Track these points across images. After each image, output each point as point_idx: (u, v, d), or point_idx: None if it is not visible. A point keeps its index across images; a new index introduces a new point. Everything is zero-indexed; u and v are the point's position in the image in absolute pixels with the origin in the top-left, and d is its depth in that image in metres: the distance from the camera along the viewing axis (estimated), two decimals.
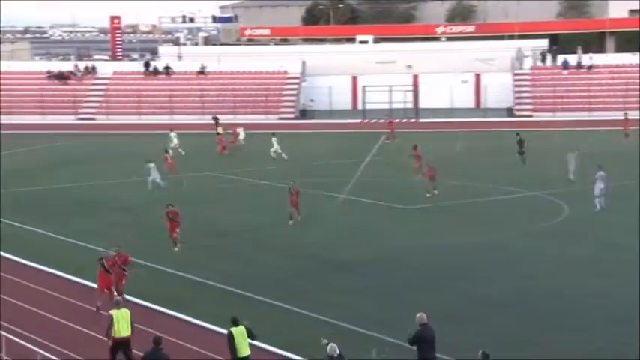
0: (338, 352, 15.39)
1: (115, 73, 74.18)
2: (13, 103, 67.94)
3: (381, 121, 59.33)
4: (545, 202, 34.36)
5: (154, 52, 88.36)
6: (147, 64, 74.85)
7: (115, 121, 65.90)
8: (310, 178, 39.59)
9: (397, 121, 59.15)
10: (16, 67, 75.57)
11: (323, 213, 33.16)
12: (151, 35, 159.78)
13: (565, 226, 30.47)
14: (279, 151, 46.46)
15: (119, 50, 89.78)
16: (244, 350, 16.70)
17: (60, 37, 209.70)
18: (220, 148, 48.89)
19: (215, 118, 55.96)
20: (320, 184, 38.40)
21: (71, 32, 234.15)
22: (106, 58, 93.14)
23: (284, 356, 18.57)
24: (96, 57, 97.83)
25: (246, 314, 17.83)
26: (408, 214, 33.18)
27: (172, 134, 49.43)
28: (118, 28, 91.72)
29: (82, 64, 75.52)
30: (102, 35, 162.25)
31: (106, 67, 75.66)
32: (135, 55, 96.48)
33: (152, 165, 38.19)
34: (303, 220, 30.80)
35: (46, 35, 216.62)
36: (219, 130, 51.68)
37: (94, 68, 74.42)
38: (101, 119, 67.83)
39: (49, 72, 73.12)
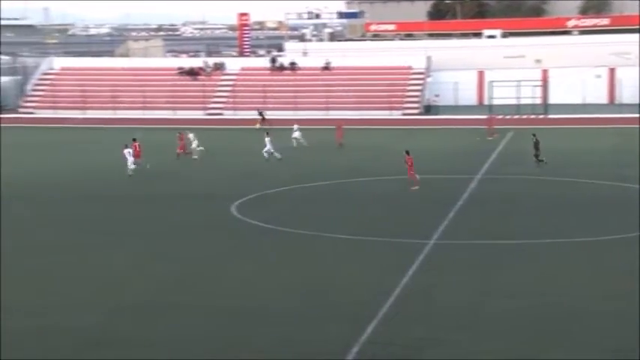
0: None
1: (242, 69, 75.60)
2: (146, 99, 70.31)
3: (506, 117, 58.03)
4: None
5: (280, 49, 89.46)
6: (273, 60, 75.91)
7: (242, 116, 67.11)
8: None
9: (519, 117, 57.63)
10: (149, 63, 78.22)
11: None
12: (277, 32, 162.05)
13: None
14: (272, 150, 45.14)
15: (246, 47, 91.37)
16: None
17: (191, 35, 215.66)
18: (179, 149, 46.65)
19: (261, 113, 56.39)
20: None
21: (202, 29, 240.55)
22: (234, 54, 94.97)
23: None
24: (224, 53, 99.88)
25: None
26: None
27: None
28: (246, 25, 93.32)
29: (211, 61, 77.33)
30: (230, 32, 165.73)
31: (234, 64, 77.20)
32: (261, 52, 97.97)
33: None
34: None
35: (177, 33, 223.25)
36: (257, 125, 51.79)
37: (222, 64, 76.07)
38: (228, 114, 69.25)
39: (179, 68, 75.27)
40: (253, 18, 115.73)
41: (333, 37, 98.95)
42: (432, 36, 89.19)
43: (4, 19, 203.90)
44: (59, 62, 78.43)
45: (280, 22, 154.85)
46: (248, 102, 69.64)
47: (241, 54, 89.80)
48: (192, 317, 20.55)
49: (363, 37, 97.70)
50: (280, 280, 23.72)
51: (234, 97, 70.87)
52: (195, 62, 78.04)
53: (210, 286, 23.23)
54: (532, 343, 18.54)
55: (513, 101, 64.15)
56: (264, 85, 70.55)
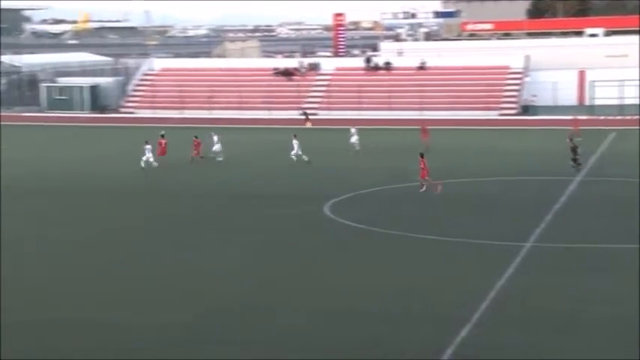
0: None
1: (337, 69, 75.69)
2: (242, 99, 71.20)
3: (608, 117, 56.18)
4: None
5: (375, 49, 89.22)
6: (368, 60, 75.72)
7: (336, 116, 67.17)
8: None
9: (622, 118, 55.70)
10: (245, 64, 79.20)
11: None
12: (372, 32, 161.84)
13: None
14: (300, 152, 44.50)
15: (341, 47, 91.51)
16: None
17: (286, 35, 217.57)
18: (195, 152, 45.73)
19: (305, 114, 55.81)
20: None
21: (297, 30, 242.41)
22: (329, 54, 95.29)
23: None
24: (319, 54, 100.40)
25: None
26: None
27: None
28: (341, 25, 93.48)
29: (306, 61, 77.73)
30: (326, 33, 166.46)
31: (328, 64, 77.33)
32: (356, 52, 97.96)
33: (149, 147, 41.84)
34: None
35: (273, 33, 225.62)
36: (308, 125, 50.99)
37: (317, 65, 76.35)
38: (323, 114, 69.43)
39: (275, 69, 75.92)
40: (349, 18, 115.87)
41: (429, 36, 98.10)
42: (530, 35, 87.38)
43: (107, 21, 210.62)
44: (159, 63, 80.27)
45: (376, 22, 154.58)
46: (342, 102, 69.67)
47: (336, 54, 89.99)
48: (285, 317, 20.61)
49: (459, 37, 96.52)
50: (372, 281, 23.56)
51: (328, 97, 71.01)
52: (291, 63, 78.58)
53: (304, 286, 23.26)
54: (632, 353, 17.83)
55: (616, 102, 62.16)
56: (359, 85, 70.43)
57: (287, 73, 74.82)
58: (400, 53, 78.84)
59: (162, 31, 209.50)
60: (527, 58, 71.06)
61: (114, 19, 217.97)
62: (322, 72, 75.08)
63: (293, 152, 44.78)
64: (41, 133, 60.24)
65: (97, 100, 73.38)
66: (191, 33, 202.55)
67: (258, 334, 19.42)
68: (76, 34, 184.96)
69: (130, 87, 75.96)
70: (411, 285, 23.19)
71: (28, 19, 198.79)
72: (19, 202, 35.22)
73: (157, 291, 22.84)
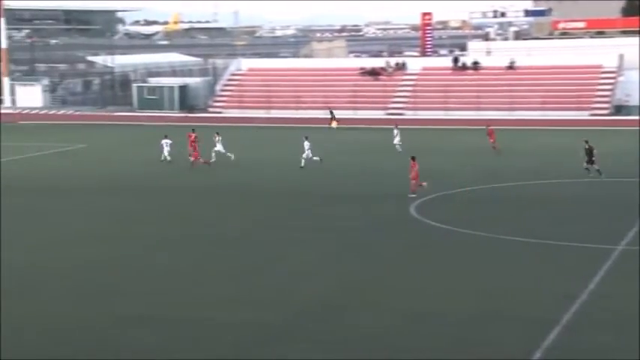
0: None
1: (423, 68, 75.11)
2: (328, 99, 71.36)
3: None
4: None
5: (463, 48, 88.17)
6: (455, 60, 74.88)
7: (423, 116, 66.66)
8: None
9: None
10: (332, 64, 79.35)
11: None
12: (460, 31, 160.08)
13: None
14: (310, 155, 42.73)
15: (429, 46, 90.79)
16: None
17: (373, 35, 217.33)
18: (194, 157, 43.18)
19: (331, 112, 54.91)
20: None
21: (384, 30, 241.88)
22: (416, 54, 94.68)
23: None
24: (406, 53, 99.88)
25: None
26: None
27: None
28: (429, 25, 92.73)
29: (392, 61, 77.39)
30: (413, 32, 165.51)
31: (415, 63, 76.82)
32: (444, 51, 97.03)
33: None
34: None
35: (360, 33, 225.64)
36: (334, 124, 49.90)
37: (404, 64, 75.91)
38: (409, 114, 69.00)
39: (361, 68, 75.86)
40: (437, 18, 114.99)
41: (519, 35, 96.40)
42: (625, 33, 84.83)
43: (197, 22, 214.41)
44: (246, 63, 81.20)
45: (464, 22, 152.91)
46: (429, 102, 69.09)
47: (423, 54, 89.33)
48: (370, 318, 20.49)
49: (550, 36, 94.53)
50: (459, 282, 23.23)
51: (414, 97, 70.51)
52: (377, 62, 78.39)
53: (389, 287, 23.08)
54: None
55: None
56: (446, 85, 69.71)
57: (373, 73, 74.63)
58: (489, 53, 77.70)
59: (250, 32, 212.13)
60: (621, 57, 69.03)
61: (203, 20, 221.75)
62: (409, 72, 74.62)
63: (304, 154, 43.06)
64: (132, 132, 61.65)
65: (185, 99, 74.71)
66: (279, 33, 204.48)
67: (342, 335, 19.35)
68: (167, 34, 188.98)
69: (218, 87, 77.06)
70: (498, 287, 22.75)
71: (121, 21, 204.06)
72: (109, 199, 36.11)
73: (240, 290, 22.97)
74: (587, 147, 39.00)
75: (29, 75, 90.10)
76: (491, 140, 48.03)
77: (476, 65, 72.70)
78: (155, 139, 48.57)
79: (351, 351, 18.35)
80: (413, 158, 35.61)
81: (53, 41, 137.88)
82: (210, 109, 74.07)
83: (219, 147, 44.76)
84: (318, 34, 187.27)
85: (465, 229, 29.19)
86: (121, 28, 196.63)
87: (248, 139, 56.80)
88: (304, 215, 32.64)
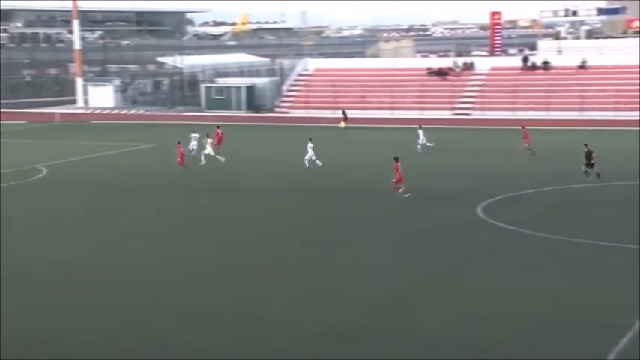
0: None
1: (492, 68, 74.15)
2: (394, 99, 71.07)
3: None
4: None
5: (533, 47, 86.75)
6: (525, 59, 73.74)
7: (490, 116, 65.81)
8: None
9: None
10: (399, 64, 78.94)
11: None
12: (530, 30, 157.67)
13: None
14: (314, 158, 42.04)
15: (497, 46, 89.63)
16: None
17: (441, 35, 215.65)
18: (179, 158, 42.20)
19: (343, 112, 54.00)
20: None
21: (452, 29, 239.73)
22: (484, 54, 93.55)
23: None
24: (474, 53, 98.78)
25: None
26: None
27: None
28: (498, 24, 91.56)
29: (460, 61, 76.61)
30: (481, 31, 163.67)
31: (483, 63, 75.90)
32: (512, 51, 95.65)
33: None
34: None
35: (428, 33, 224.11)
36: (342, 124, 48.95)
37: (471, 64, 75.08)
38: (476, 115, 68.20)
39: (428, 68, 75.30)
40: (506, 17, 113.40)
41: (591, 34, 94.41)
42: None
43: (265, 22, 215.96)
44: (313, 63, 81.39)
45: (534, 21, 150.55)
46: (497, 102, 68.17)
47: (492, 53, 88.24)
48: (438, 318, 20.34)
49: (623, 35, 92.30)
50: (527, 285, 22.80)
51: (482, 97, 69.66)
52: (445, 62, 77.69)
53: (456, 288, 22.83)
54: None
55: None
56: (515, 85, 68.68)
57: (441, 73, 74.01)
58: (559, 52, 76.27)
59: (317, 32, 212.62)
60: None
61: (271, 21, 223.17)
62: (477, 71, 73.77)
63: (307, 156, 42.47)
64: (199, 132, 62.33)
65: (252, 100, 75.23)
66: (346, 33, 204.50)
67: (411, 335, 19.24)
68: (235, 35, 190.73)
69: (285, 87, 77.40)
70: (568, 290, 22.27)
71: (190, 22, 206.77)
72: (178, 197, 36.55)
73: (310, 289, 23.01)
74: (586, 150, 38.17)
75: (101, 75, 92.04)
76: (526, 142, 46.19)
77: (546, 65, 71.44)
78: (225, 139, 48.98)
79: (420, 351, 18.19)
80: (396, 159, 35.35)
81: (124, 42, 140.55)
82: (277, 109, 74.44)
83: (208, 149, 44.72)
84: (385, 34, 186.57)
85: (533, 231, 28.64)
86: (190, 29, 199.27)
87: (325, 140, 56.90)
88: (373, 215, 32.45)
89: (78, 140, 45.07)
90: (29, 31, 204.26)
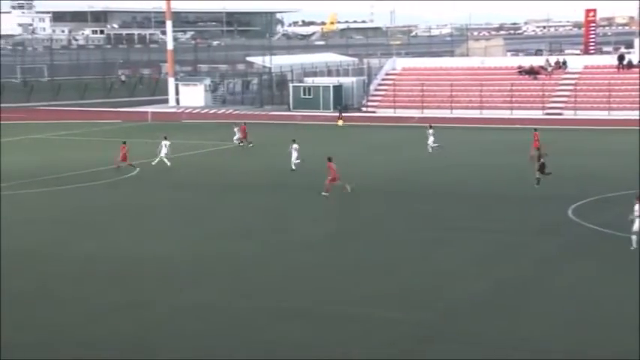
0: None
1: (585, 67, 72.38)
2: (482, 98, 70.13)
3: None
4: None
5: (630, 45, 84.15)
6: (620, 58, 71.66)
7: (583, 116, 64.24)
8: None
9: None
10: (489, 62, 77.86)
11: None
12: (627, 28, 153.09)
13: None
14: (298, 161, 41.59)
15: (592, 44, 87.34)
16: None
17: (533, 33, 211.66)
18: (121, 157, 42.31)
19: (340, 110, 52.50)
20: None
21: (544, 27, 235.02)
22: (578, 52, 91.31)
23: None
24: (567, 52, 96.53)
25: None
26: None
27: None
28: (593, 22, 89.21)
29: (552, 59, 75.02)
30: (575, 29, 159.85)
31: (576, 62, 74.17)
32: (608, 49, 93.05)
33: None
34: None
35: (519, 31, 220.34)
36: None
37: (564, 63, 73.41)
38: (568, 114, 66.67)
39: (519, 67, 74.00)
40: (601, 14, 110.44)
41: None
42: None
43: (353, 22, 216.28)
44: (401, 63, 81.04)
45: (631, 18, 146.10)
46: (590, 101, 66.53)
47: (586, 52, 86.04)
48: (523, 319, 20.00)
49: None
50: (619, 288, 22.21)
51: (575, 96, 68.05)
52: (536, 61, 76.21)
53: (543, 290, 22.37)
54: None
55: None
56: (609, 84, 66.87)
57: (532, 72, 72.64)
58: None
59: (406, 31, 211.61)
60: None
61: (359, 20, 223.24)
62: (569, 70, 72.13)
63: (293, 158, 42.04)
64: (287, 131, 62.81)
65: (339, 99, 75.39)
66: (435, 32, 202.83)
67: (494, 337, 19.00)
68: (324, 35, 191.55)
69: (372, 86, 77.28)
70: None
71: (280, 22, 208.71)
72: (266, 196, 36.86)
73: (394, 287, 22.90)
74: (539, 155, 37.16)
75: (192, 75, 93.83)
76: (535, 146, 42.68)
77: None
78: (309, 139, 49.23)
79: (502, 353, 17.91)
80: (329, 159, 35.62)
81: (215, 42, 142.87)
82: (364, 109, 74.40)
83: (165, 151, 44.45)
84: (475, 33, 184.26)
85: (624, 234, 27.77)
86: (279, 29, 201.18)
87: (404, 139, 56.67)
88: (462, 215, 32.06)
89: (170, 139, 45.95)
90: (124, 32, 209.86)
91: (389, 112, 71.51)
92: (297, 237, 28.92)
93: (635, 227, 25.72)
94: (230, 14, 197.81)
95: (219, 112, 76.94)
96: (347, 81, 79.21)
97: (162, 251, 26.91)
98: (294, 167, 41.99)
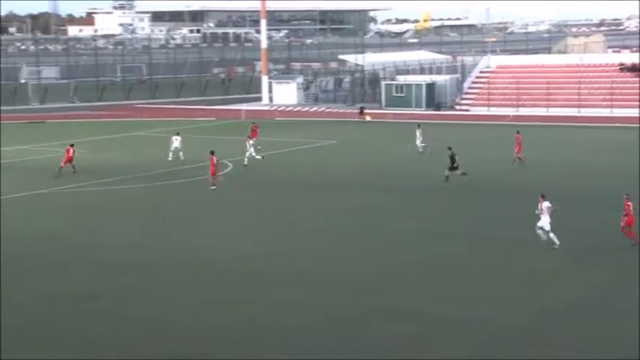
0: None
1: None
2: (581, 96, 68.33)
3: None
4: None
5: None
6: None
7: None
8: None
9: None
10: (588, 59, 75.75)
11: None
12: None
13: None
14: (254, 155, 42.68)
15: None
16: None
17: (635, 29, 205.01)
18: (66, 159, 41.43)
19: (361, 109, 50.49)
20: None
21: None
22: None
23: None
24: None
25: None
26: None
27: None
28: None
29: None
30: None
31: None
32: None
33: None
34: None
35: (621, 27, 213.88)
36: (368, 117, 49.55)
37: None
38: None
39: (621, 64, 71.79)
40: None
41: None
42: None
43: (447, 19, 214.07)
44: (496, 60, 79.68)
45: None
46: None
47: None
48: (619, 322, 19.52)
49: None
50: None
51: None
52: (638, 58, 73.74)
53: (622, 294, 21.73)
54: None
55: None
56: None
57: (634, 69, 70.31)
58: None
59: (501, 28, 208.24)
60: None
61: (454, 18, 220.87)
62: None
63: (247, 154, 43.24)
64: (379, 129, 62.53)
65: (432, 97, 74.63)
66: (532, 29, 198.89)
67: (588, 339, 18.67)
68: (417, 32, 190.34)
69: (466, 84, 76.24)
70: None
71: (373, 20, 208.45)
72: (352, 195, 36.76)
73: (482, 288, 22.59)
74: (450, 154, 37.74)
75: (285, 73, 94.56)
76: (516, 150, 42.23)
77: None
78: (402, 137, 48.78)
79: (596, 355, 17.53)
80: (212, 153, 36.89)
81: (308, 41, 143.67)
82: (457, 107, 73.48)
83: (176, 145, 45.99)
84: (574, 29, 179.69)
85: None
86: (372, 26, 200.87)
87: (496, 137, 55.71)
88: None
89: (262, 136, 46.30)
90: (220, 30, 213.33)
91: (482, 111, 70.41)
92: (392, 237, 28.65)
93: (540, 223, 26.09)
94: (323, 12, 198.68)
95: (312, 109, 77.28)
96: (440, 79, 78.40)
97: (251, 247, 27.23)
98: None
